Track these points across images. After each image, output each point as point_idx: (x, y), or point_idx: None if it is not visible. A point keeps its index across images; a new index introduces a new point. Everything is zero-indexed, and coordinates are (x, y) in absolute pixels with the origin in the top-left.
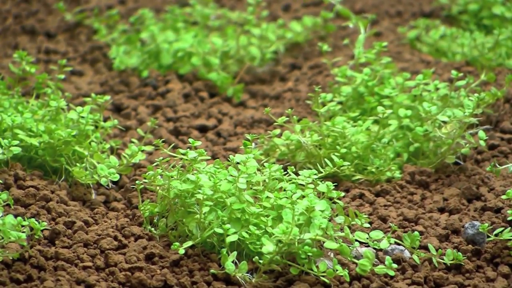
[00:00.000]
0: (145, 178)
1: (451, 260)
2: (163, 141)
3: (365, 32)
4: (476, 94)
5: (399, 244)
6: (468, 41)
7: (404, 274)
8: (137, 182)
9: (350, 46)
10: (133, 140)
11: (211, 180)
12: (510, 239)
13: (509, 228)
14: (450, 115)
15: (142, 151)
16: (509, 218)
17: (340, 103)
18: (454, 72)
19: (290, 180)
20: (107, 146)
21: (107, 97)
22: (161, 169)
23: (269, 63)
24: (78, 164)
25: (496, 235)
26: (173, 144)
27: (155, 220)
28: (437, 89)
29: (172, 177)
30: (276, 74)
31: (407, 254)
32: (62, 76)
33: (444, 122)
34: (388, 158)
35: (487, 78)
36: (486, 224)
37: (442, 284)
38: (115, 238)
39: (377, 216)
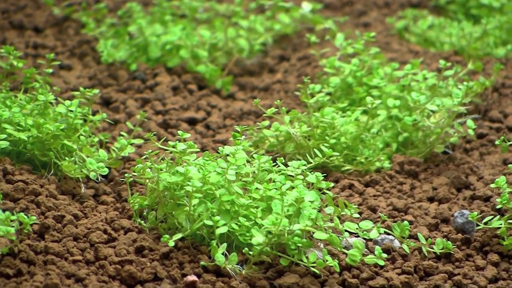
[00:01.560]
0: (134, 171)
1: (441, 249)
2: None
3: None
4: (465, 83)
5: (388, 234)
6: (456, 30)
7: (394, 263)
8: (126, 175)
9: (331, 42)
10: (122, 133)
11: (200, 172)
12: (499, 228)
13: (498, 216)
14: (439, 104)
15: (131, 144)
16: (498, 207)
17: (329, 94)
18: (442, 61)
19: (279, 171)
20: (96, 139)
21: (96, 91)
22: (150, 162)
23: (257, 55)
24: (67, 158)
25: (485, 223)
26: (164, 138)
27: (144, 213)
28: (425, 78)
29: (161, 169)
30: (264, 66)
31: (396, 243)
32: (50, 70)
33: (433, 112)
34: (377, 148)
35: (474, 67)
36: (475, 213)
37: (432, 273)
38: (105, 231)
39: (367, 206)
